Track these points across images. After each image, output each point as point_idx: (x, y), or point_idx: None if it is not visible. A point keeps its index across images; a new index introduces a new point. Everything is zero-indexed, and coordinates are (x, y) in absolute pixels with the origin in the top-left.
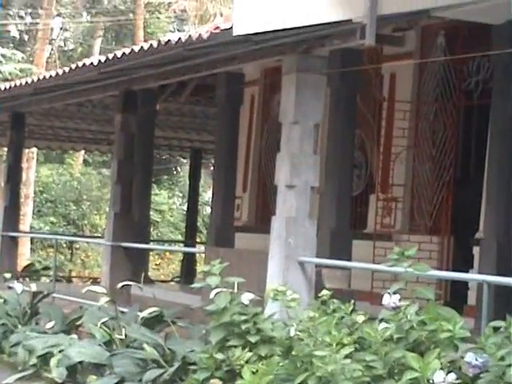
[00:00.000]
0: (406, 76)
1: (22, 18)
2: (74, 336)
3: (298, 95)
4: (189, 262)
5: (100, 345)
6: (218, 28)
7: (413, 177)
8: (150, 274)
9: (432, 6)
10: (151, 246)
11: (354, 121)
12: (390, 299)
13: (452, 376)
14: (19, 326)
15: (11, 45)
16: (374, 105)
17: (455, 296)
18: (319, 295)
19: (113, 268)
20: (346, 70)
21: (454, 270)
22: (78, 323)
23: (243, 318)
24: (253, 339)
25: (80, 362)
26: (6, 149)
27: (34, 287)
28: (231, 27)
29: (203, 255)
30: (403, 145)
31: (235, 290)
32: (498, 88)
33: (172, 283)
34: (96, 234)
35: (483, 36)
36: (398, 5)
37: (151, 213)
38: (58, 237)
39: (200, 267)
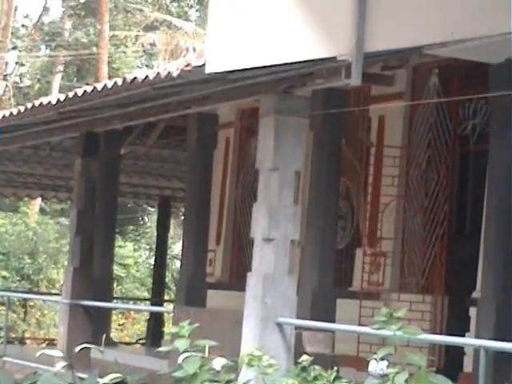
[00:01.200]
0: (396, 119)
1: None
2: None
3: (276, 139)
4: (156, 322)
5: None
6: (189, 65)
7: (403, 230)
8: (112, 335)
9: (425, 42)
10: (114, 304)
11: (338, 168)
12: (377, 365)
13: None
14: None
15: None
16: (360, 150)
17: (450, 362)
18: (299, 360)
19: (71, 329)
20: (330, 112)
21: (448, 334)
22: None
23: None
24: None
25: None
26: None
27: None
28: (204, 64)
29: (172, 315)
30: (393, 194)
31: (206, 354)
32: (497, 133)
33: (137, 346)
34: (53, 291)
35: (481, 76)
36: (387, 41)
37: (115, 267)
38: (10, 294)
39: (168, 328)
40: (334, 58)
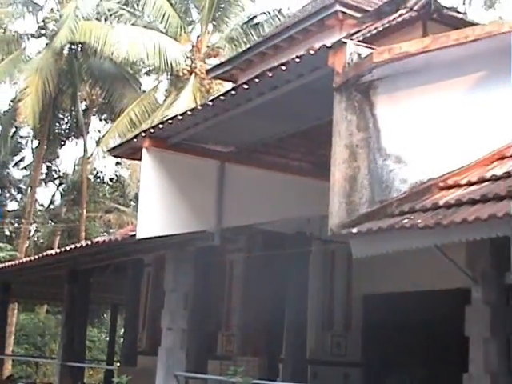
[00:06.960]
0: (239, 263)
1: (12, 223)
2: None
3: (175, 274)
4: (109, 374)
5: None
6: (127, 234)
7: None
8: (85, 380)
9: (254, 222)
10: (86, 364)
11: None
12: None
13: None
14: None
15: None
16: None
17: None
18: None
19: (62, 377)
20: (205, 260)
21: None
22: None
23: None
24: None
25: None
26: None
27: None
28: (135, 234)
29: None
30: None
31: None
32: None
33: None
34: (53, 356)
35: (281, 240)
36: (235, 221)
37: (87, 342)
38: (30, 358)
39: (115, 378)
40: (205, 231)
